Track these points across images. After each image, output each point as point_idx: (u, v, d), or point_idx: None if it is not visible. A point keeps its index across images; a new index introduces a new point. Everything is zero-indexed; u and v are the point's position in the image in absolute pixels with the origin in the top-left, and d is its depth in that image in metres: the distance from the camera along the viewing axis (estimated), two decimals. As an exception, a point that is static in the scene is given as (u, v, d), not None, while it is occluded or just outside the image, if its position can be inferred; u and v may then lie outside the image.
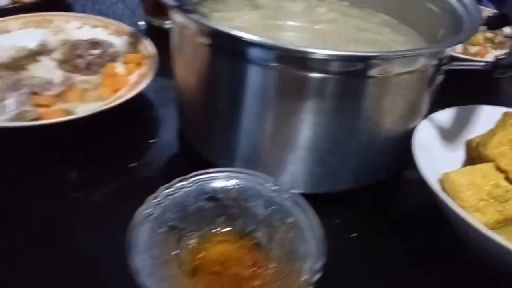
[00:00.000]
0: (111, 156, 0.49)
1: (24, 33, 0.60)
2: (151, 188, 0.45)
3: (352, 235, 0.41)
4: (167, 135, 0.53)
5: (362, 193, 0.45)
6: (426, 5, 0.50)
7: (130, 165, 0.48)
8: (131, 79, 0.53)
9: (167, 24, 0.74)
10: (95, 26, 0.60)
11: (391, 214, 0.46)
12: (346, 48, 0.50)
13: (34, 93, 0.48)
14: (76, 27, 0.60)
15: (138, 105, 0.55)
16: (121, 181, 0.47)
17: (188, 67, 0.44)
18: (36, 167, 0.46)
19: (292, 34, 0.53)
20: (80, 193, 0.45)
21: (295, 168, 0.43)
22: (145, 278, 0.30)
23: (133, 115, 0.54)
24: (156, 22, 0.75)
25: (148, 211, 0.34)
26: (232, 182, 0.38)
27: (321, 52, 0.35)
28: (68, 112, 0.47)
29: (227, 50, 0.39)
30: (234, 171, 0.39)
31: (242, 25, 0.51)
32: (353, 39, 0.52)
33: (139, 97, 0.51)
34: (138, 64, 0.56)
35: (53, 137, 0.47)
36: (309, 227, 0.35)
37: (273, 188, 0.38)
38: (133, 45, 0.58)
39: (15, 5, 0.48)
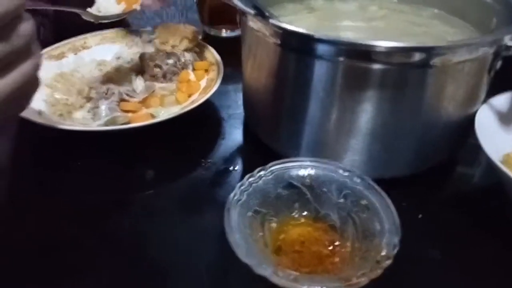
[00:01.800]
0: (187, 154, 0.55)
1: (100, 48, 0.67)
2: (227, 178, 0.51)
3: (419, 216, 0.44)
4: (235, 132, 0.58)
5: (424, 177, 0.48)
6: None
7: (206, 162, 0.53)
8: (201, 85, 0.59)
9: (224, 33, 0.79)
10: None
11: (452, 194, 0.49)
12: (402, 41, 0.54)
13: (122, 100, 0.54)
14: (147, 40, 0.67)
15: (206, 108, 0.60)
16: (200, 175, 0.52)
17: (259, 67, 0.49)
18: (122, 167, 0.52)
19: (349, 32, 0.56)
20: (160, 188, 0.50)
21: (360, 155, 0.47)
22: (243, 254, 0.34)
23: (203, 117, 0.59)
24: (213, 31, 0.80)
25: (237, 197, 0.39)
26: (306, 171, 0.42)
27: (385, 45, 0.38)
28: (153, 116, 0.53)
29: (297, 48, 0.43)
30: (307, 160, 0.43)
31: (302, 27, 0.55)
32: (407, 33, 0.54)
33: (207, 100, 0.57)
34: (206, 71, 0.61)
35: (137, 139, 0.53)
36: (382, 207, 0.38)
37: (345, 174, 0.41)
38: (200, 53, 0.64)
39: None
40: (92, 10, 0.56)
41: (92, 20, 0.56)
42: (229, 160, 0.53)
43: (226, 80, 0.60)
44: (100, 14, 0.56)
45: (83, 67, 0.63)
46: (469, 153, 0.49)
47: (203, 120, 0.59)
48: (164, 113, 0.53)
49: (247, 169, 0.52)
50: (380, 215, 0.38)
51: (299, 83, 0.45)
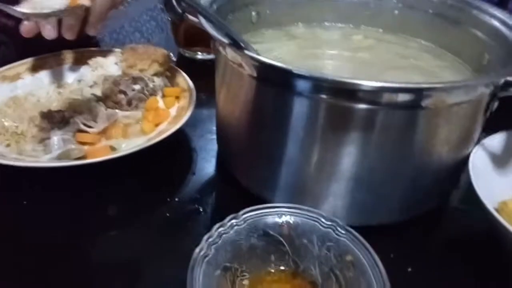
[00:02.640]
0: (152, 190, 0.49)
1: (62, 69, 0.62)
2: (194, 222, 0.46)
3: (409, 269, 0.40)
4: (207, 167, 0.53)
5: (413, 224, 0.44)
6: (469, 31, 0.49)
7: (172, 200, 0.47)
8: (171, 113, 0.53)
9: (199, 55, 0.75)
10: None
11: (445, 244, 0.44)
12: (389, 75, 0.50)
13: (80, 131, 0.48)
14: (113, 62, 0.61)
15: (175, 138, 0.55)
16: (164, 216, 0.46)
17: (233, 99, 0.44)
18: (78, 204, 0.46)
19: (332, 63, 0.52)
20: (122, 229, 0.45)
21: (343, 201, 0.42)
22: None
23: (171, 148, 0.54)
24: (188, 53, 0.76)
25: (203, 252, 0.34)
26: (284, 218, 0.37)
27: (373, 85, 0.34)
28: (113, 149, 0.47)
29: (275, 82, 0.39)
30: (286, 207, 0.38)
31: (281, 56, 0.51)
32: (394, 66, 0.51)
33: (177, 130, 0.51)
34: (177, 98, 0.56)
35: (96, 172, 0.47)
36: (369, 264, 0.33)
37: (327, 223, 0.37)
38: (172, 78, 0.58)
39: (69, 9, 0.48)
40: (25, 5, 0.46)
41: (21, 17, 0.47)
42: (199, 199, 0.48)
43: (200, 106, 0.55)
44: (34, 11, 0.46)
45: (40, 90, 0.57)
46: (462, 196, 0.46)
47: (172, 153, 0.54)
48: (127, 146, 0.48)
49: (219, 211, 0.47)
50: (367, 274, 0.33)
51: (276, 120, 0.40)
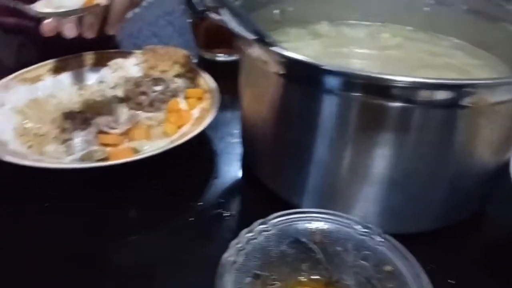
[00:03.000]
0: (175, 194, 0.48)
1: (83, 71, 0.61)
2: (218, 227, 0.44)
3: (451, 281, 0.37)
4: (230, 170, 0.51)
5: (452, 231, 0.41)
6: (507, 27, 0.46)
7: (195, 204, 0.46)
8: (194, 114, 0.52)
9: (220, 57, 0.74)
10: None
11: (487, 252, 0.42)
12: (420, 73, 0.47)
13: (101, 132, 0.47)
14: (134, 64, 0.60)
15: (197, 141, 0.54)
16: (187, 221, 0.44)
17: (259, 99, 0.42)
18: (100, 207, 0.45)
19: (359, 61, 0.50)
20: (143, 234, 0.43)
21: (376, 206, 0.40)
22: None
23: (194, 151, 0.52)
24: (208, 55, 0.74)
25: (231, 258, 0.32)
26: (316, 224, 0.36)
27: (410, 80, 0.32)
28: (136, 151, 0.46)
29: (303, 80, 0.37)
30: (317, 212, 0.36)
31: (307, 54, 0.50)
32: (425, 64, 0.49)
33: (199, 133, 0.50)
34: (199, 99, 0.54)
35: (118, 175, 0.46)
36: (411, 276, 0.31)
37: (363, 230, 0.35)
38: (193, 79, 0.57)
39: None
40: (40, 4, 0.46)
41: (39, 16, 0.46)
42: (223, 203, 0.46)
43: (222, 108, 0.53)
44: (49, 10, 0.46)
45: (61, 92, 0.57)
46: (503, 200, 0.43)
47: (194, 155, 0.52)
48: (149, 148, 0.46)
49: (244, 216, 0.45)
50: (408, 286, 0.31)
51: (305, 120, 0.39)
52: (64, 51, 0.61)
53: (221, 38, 0.72)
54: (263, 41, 0.36)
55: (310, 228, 0.35)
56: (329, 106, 0.37)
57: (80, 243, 0.41)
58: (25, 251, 0.40)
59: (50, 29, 0.48)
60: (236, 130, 0.55)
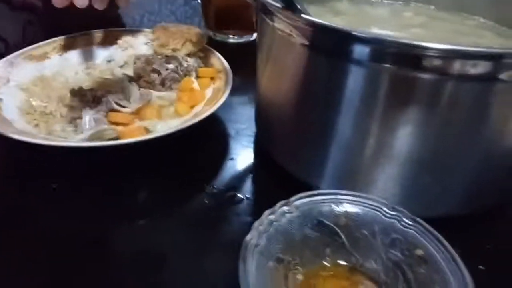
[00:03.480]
0: (188, 176, 0.45)
1: (91, 49, 0.59)
2: (234, 210, 0.42)
3: (481, 267, 0.35)
4: (244, 152, 0.49)
5: (479, 216, 0.39)
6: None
7: (210, 186, 0.44)
8: (207, 94, 0.50)
9: (231, 38, 0.71)
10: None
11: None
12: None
13: (112, 110, 0.45)
14: (144, 43, 0.58)
15: (210, 122, 0.52)
16: (201, 204, 0.42)
17: (280, 74, 0.40)
18: (109, 188, 0.43)
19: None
20: (155, 217, 0.41)
21: (401, 188, 0.38)
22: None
23: (206, 132, 0.50)
24: (219, 36, 0.72)
25: (254, 241, 0.30)
26: (341, 207, 0.34)
27: (453, 48, 0.30)
28: (147, 130, 0.43)
29: (330, 50, 0.35)
30: (342, 194, 0.34)
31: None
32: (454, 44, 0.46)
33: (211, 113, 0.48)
34: (212, 79, 0.52)
35: (128, 155, 0.44)
36: (445, 261, 0.29)
37: (391, 213, 0.33)
38: (205, 59, 0.55)
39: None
40: None
41: None
42: (238, 186, 0.44)
43: (233, 91, 0.51)
44: None
45: (68, 70, 0.55)
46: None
47: (207, 137, 0.50)
48: (161, 127, 0.44)
49: (260, 198, 0.43)
50: (442, 271, 0.29)
51: (329, 95, 0.36)
52: (72, 30, 0.59)
53: (232, 18, 0.70)
54: (291, 9, 0.34)
55: (335, 211, 0.33)
56: (356, 79, 0.34)
57: (88, 226, 0.39)
58: (30, 233, 0.38)
59: (61, 0, 0.46)
60: (247, 111, 0.53)
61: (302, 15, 0.34)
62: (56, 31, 0.59)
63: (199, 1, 0.73)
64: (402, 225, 0.32)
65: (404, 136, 0.35)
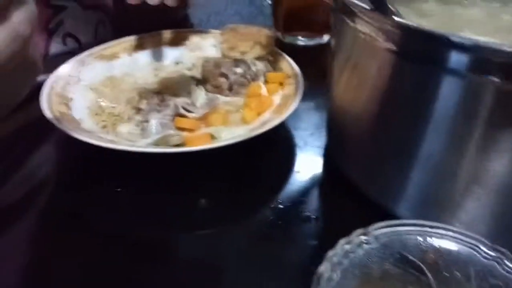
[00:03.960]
0: (251, 187, 0.43)
1: (160, 50, 0.58)
2: (299, 230, 0.39)
3: None
4: (312, 165, 0.46)
5: None
6: None
7: (273, 201, 0.41)
8: (275, 101, 0.47)
9: (301, 41, 0.68)
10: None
11: None
12: None
13: (178, 115, 0.44)
14: (212, 45, 0.56)
15: (276, 130, 0.49)
16: (264, 219, 0.40)
17: (360, 82, 0.36)
18: (172, 195, 0.42)
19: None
20: (215, 228, 0.39)
21: (500, 222, 0.32)
22: None
23: (272, 141, 0.47)
24: (287, 38, 0.69)
25: (327, 274, 0.26)
26: (429, 240, 0.29)
27: None
28: (213, 137, 0.41)
29: (423, 57, 0.30)
30: (431, 226, 0.29)
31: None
32: None
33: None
34: (281, 84, 0.49)
35: (192, 162, 0.43)
36: None
37: (491, 253, 0.28)
38: (274, 63, 0.52)
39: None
40: None
41: None
42: (305, 203, 0.41)
43: (303, 97, 0.48)
44: None
45: (137, 71, 0.54)
46: None
47: (273, 146, 0.47)
48: (227, 135, 0.42)
49: (328, 219, 0.40)
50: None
51: (418, 107, 0.32)
52: (141, 30, 0.59)
53: (304, 20, 0.66)
54: (382, 11, 0.30)
55: (422, 245, 0.29)
56: (452, 91, 0.30)
57: (149, 232, 0.39)
58: (91, 236, 0.38)
59: None
60: (315, 119, 0.50)
61: (395, 18, 0.30)
62: (126, 31, 0.59)
63: (269, 2, 0.71)
64: (504, 269, 0.27)
65: (507, 162, 0.30)
